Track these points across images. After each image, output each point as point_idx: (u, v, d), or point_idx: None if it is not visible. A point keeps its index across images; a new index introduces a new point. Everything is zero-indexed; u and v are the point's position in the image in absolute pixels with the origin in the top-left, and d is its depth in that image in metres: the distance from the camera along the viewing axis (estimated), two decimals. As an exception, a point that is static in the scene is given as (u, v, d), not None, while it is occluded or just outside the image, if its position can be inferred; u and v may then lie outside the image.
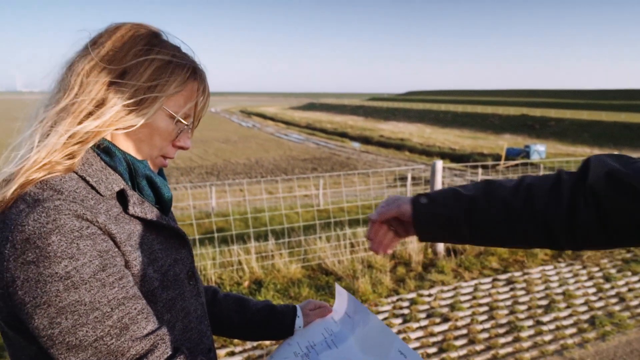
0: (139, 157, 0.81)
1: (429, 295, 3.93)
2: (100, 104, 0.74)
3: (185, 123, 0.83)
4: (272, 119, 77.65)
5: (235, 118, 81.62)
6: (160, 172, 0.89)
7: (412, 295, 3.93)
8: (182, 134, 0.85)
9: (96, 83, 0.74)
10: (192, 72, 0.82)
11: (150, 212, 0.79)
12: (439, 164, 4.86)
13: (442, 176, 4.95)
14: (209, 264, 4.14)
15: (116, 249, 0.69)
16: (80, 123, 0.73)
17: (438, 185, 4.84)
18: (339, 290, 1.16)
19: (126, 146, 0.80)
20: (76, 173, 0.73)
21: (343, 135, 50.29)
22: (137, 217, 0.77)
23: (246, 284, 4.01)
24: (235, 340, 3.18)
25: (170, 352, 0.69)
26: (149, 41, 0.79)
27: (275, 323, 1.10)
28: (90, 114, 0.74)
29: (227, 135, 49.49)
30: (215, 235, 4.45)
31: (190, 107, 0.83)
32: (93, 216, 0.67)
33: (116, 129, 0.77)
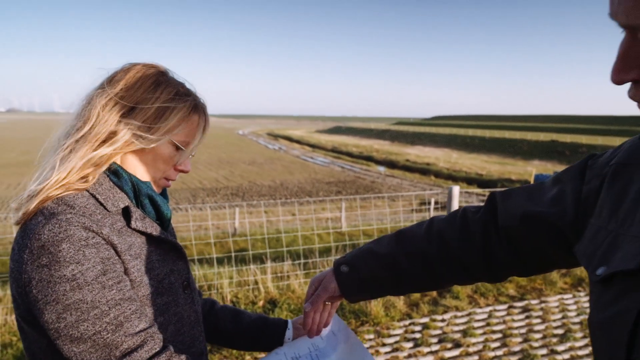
0: (144, 179, 0.93)
1: (442, 321, 3.93)
2: (113, 133, 0.87)
3: (185, 150, 0.95)
4: (298, 141, 78.51)
5: (262, 140, 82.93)
6: (163, 192, 1.01)
7: (425, 319, 3.93)
8: (183, 159, 0.97)
9: (110, 116, 0.87)
10: (194, 106, 0.94)
11: (151, 227, 0.91)
12: (456, 189, 4.88)
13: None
14: (226, 282, 4.25)
15: (117, 257, 0.80)
16: (95, 150, 0.85)
17: (455, 211, 4.86)
18: None
19: (133, 169, 0.92)
20: (88, 191, 0.85)
21: (368, 159, 50.37)
22: (139, 231, 0.89)
23: (261, 303, 4.10)
24: (247, 358, 3.26)
25: (158, 349, 0.79)
26: (157, 79, 0.91)
27: (267, 333, 1.19)
28: (104, 141, 0.86)
29: (253, 157, 50.25)
30: (233, 254, 4.57)
31: (191, 135, 0.95)
32: (98, 228, 0.79)
33: (124, 155, 0.90)
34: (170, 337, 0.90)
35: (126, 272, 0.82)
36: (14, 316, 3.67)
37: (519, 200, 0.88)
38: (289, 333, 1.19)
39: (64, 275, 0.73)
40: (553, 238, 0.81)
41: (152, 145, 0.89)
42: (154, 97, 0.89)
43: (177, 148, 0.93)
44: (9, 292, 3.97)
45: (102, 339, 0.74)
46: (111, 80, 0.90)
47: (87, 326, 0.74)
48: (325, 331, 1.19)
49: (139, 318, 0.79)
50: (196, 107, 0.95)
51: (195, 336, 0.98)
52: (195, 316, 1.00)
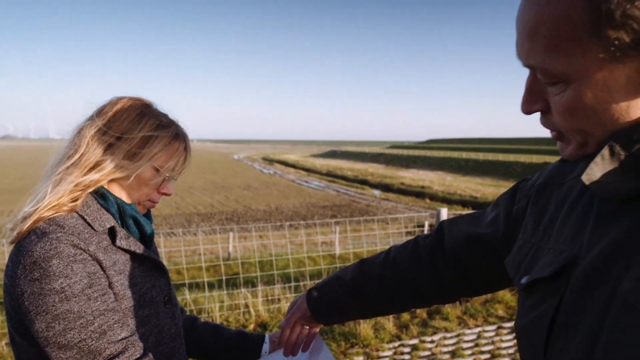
0: (128, 201, 1.02)
1: (432, 342, 3.96)
2: (101, 160, 0.96)
3: (168, 175, 1.04)
4: (293, 166, 78.64)
5: (257, 165, 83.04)
6: (147, 213, 1.10)
7: (415, 341, 3.96)
8: (166, 183, 1.06)
9: (98, 145, 0.96)
10: (175, 135, 1.04)
11: (134, 246, 0.99)
12: (444, 211, 4.98)
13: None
14: (217, 306, 4.28)
15: (102, 272, 0.89)
16: (84, 175, 0.94)
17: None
18: None
19: (119, 192, 1.01)
20: (77, 212, 0.94)
21: (363, 182, 50.48)
22: (123, 249, 0.97)
23: (252, 326, 4.12)
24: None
25: (138, 355, 0.87)
26: (141, 111, 1.01)
27: (246, 347, 1.26)
28: (92, 168, 0.95)
29: (248, 181, 50.28)
30: (224, 278, 4.61)
31: (173, 162, 1.04)
32: (86, 246, 0.87)
33: (112, 179, 0.99)
34: (150, 347, 0.97)
35: (110, 285, 0.90)
36: (4, 342, 3.68)
37: (463, 225, 0.97)
38: (265, 347, 1.26)
39: (54, 288, 0.81)
40: (492, 257, 0.90)
41: (136, 172, 0.98)
42: (139, 127, 0.98)
43: (160, 173, 1.02)
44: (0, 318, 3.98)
45: (87, 346, 0.82)
46: (100, 112, 1.00)
47: (74, 334, 0.81)
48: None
49: (122, 327, 0.87)
50: (177, 135, 1.04)
51: (176, 348, 1.06)
52: (175, 329, 1.07)
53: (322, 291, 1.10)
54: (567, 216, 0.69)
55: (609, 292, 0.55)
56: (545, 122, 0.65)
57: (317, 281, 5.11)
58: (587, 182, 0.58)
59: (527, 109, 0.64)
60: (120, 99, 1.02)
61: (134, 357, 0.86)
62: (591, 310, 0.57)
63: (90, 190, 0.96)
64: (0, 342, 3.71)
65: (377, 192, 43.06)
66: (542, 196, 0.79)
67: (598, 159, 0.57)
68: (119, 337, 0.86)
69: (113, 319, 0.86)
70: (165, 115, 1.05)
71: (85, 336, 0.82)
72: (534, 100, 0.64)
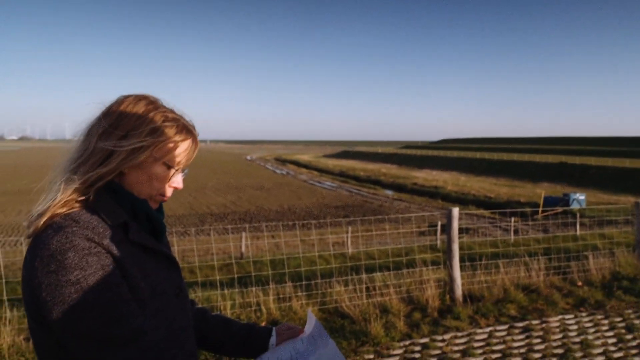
0: (141, 197, 1.05)
1: (442, 341, 3.96)
2: (109, 155, 0.99)
3: (176, 169, 1.07)
4: (305, 166, 78.80)
5: (269, 165, 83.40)
6: (159, 208, 1.13)
7: (425, 340, 3.97)
8: (175, 177, 1.10)
9: (106, 142, 0.99)
10: (182, 128, 1.07)
11: (146, 240, 1.03)
12: (455, 210, 4.98)
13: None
14: (229, 304, 4.33)
15: (115, 265, 0.92)
16: (93, 170, 0.98)
17: (454, 232, 4.94)
18: (310, 315, 1.34)
19: (131, 187, 1.04)
20: (92, 208, 0.97)
21: (376, 182, 50.41)
22: (135, 243, 1.01)
23: (263, 324, 4.16)
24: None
25: (150, 344, 0.90)
26: (147, 108, 1.04)
27: (253, 340, 1.29)
28: (101, 163, 0.99)
29: (261, 182, 50.49)
30: (235, 277, 4.66)
31: (180, 155, 1.07)
32: (100, 239, 0.91)
33: (122, 176, 1.02)
34: (161, 338, 1.00)
35: (123, 277, 0.94)
36: (22, 337, 3.77)
37: None
38: (272, 339, 1.29)
39: (70, 279, 0.85)
40: None
41: (143, 166, 1.01)
42: (145, 123, 1.01)
43: (169, 167, 1.06)
44: (17, 313, 4.08)
45: (101, 334, 0.86)
46: (107, 111, 1.03)
47: (89, 323, 0.85)
48: (306, 336, 1.29)
49: (134, 317, 0.91)
50: (184, 128, 1.07)
51: (186, 339, 1.09)
52: (186, 321, 1.10)
53: None
54: None
55: None
56: None
57: (328, 280, 5.14)
58: None
59: None
60: (126, 97, 1.06)
61: (146, 344, 0.89)
62: None
63: (101, 184, 0.99)
64: (19, 336, 3.80)
65: (389, 192, 42.93)
66: None
67: None
68: (132, 327, 0.89)
69: (126, 308, 0.90)
70: (171, 110, 1.08)
71: (99, 324, 0.86)
72: None
